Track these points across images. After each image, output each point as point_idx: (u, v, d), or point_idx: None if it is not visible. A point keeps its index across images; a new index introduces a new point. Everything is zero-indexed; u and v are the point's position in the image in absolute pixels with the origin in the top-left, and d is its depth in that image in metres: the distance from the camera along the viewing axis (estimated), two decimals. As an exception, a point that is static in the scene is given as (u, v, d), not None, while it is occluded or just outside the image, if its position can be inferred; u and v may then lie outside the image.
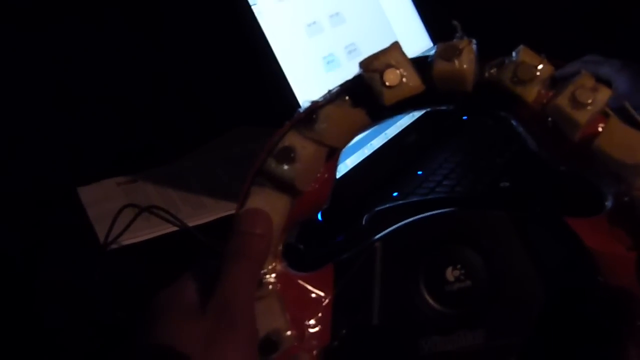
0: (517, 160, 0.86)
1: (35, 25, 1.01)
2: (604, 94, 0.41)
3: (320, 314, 0.43)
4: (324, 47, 0.86)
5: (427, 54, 0.43)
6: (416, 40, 1.05)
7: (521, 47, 0.42)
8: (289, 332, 0.40)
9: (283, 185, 0.41)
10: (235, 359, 0.36)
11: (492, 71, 0.42)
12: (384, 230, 0.45)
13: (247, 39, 0.79)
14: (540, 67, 0.41)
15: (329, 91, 0.43)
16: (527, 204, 0.46)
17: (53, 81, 1.03)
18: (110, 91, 1.07)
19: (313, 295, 0.43)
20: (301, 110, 0.42)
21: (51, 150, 1.00)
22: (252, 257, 0.40)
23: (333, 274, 0.44)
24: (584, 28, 1.19)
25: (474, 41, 0.42)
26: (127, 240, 0.83)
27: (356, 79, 0.42)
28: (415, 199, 0.53)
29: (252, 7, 0.79)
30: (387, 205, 0.50)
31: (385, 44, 0.43)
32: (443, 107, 0.45)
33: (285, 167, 0.41)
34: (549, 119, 0.41)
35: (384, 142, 0.90)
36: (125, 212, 0.83)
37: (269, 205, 0.41)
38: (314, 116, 0.41)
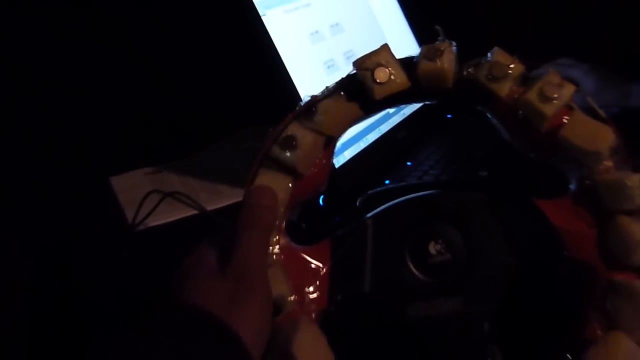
0: (494, 153, 0.87)
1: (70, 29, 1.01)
2: (568, 90, 0.41)
3: (318, 282, 0.43)
4: (325, 53, 0.86)
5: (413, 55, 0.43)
6: (406, 47, 1.05)
7: (495, 48, 0.42)
8: (291, 298, 0.40)
9: (286, 169, 0.41)
10: (253, 315, 0.37)
11: (469, 70, 0.42)
12: (375, 210, 0.45)
13: (258, 47, 0.79)
14: (512, 66, 0.41)
15: (327, 87, 0.43)
16: (501, 186, 0.46)
17: (87, 83, 1.04)
18: (140, 95, 1.07)
19: (312, 265, 0.43)
20: (302, 103, 0.43)
21: (88, 145, 1.00)
22: (262, 226, 0.40)
23: (330, 248, 0.44)
24: (558, 31, 1.18)
25: (454, 43, 0.42)
26: (153, 222, 0.83)
27: (350, 76, 0.43)
28: (403, 183, 0.53)
29: (262, 18, 0.79)
30: (378, 189, 0.50)
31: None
32: (427, 102, 0.45)
33: (288, 153, 0.41)
34: (520, 111, 0.42)
35: (377, 136, 0.90)
36: (150, 197, 0.83)
37: (274, 184, 0.41)
38: (313, 109, 0.42)
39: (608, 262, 0.40)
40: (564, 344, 0.41)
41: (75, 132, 1.01)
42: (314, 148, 0.42)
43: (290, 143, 0.41)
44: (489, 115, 0.44)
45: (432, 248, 0.43)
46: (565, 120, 0.41)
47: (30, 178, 0.91)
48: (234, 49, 1.02)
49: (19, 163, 0.94)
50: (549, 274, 0.43)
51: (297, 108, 0.43)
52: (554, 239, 0.42)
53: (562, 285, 0.42)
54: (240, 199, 0.41)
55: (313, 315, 0.42)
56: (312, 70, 0.84)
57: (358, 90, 0.42)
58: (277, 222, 0.42)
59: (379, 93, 0.41)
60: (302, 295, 0.42)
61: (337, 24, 0.91)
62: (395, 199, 0.46)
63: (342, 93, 0.42)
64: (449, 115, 1.04)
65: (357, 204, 0.51)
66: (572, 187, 0.43)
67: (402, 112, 0.95)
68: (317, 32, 0.87)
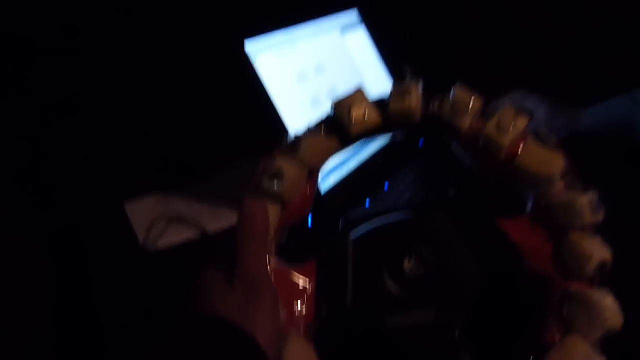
0: (460, 176, 0.86)
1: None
2: (522, 122, 0.41)
3: (306, 298, 0.42)
4: (310, 91, 0.86)
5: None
6: (381, 84, 1.05)
7: (457, 85, 0.42)
8: (281, 313, 0.39)
9: (274, 198, 0.41)
10: (265, 319, 0.36)
11: (435, 106, 0.42)
12: (355, 231, 0.45)
13: (252, 87, 0.79)
14: (472, 102, 0.41)
15: (309, 125, 0.42)
16: (466, 207, 0.46)
17: (104, 119, 1.04)
18: (152, 128, 1.07)
19: (300, 283, 0.42)
20: (288, 139, 0.42)
21: (103, 172, 1.00)
22: (258, 235, 0.39)
23: (316, 267, 0.43)
24: (517, 59, 1.19)
25: (421, 82, 0.42)
26: (162, 244, 0.82)
27: (329, 114, 0.42)
28: (380, 208, 0.53)
29: (254, 62, 0.79)
30: (358, 211, 0.49)
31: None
32: (398, 141, 0.44)
33: (275, 184, 0.40)
34: (481, 142, 0.41)
35: (358, 163, 0.90)
36: (159, 221, 0.83)
37: None
38: (298, 144, 0.41)
39: (564, 274, 0.40)
40: (527, 347, 0.40)
41: (94, 161, 1.00)
42: (299, 179, 0.41)
43: (277, 175, 0.40)
44: (453, 146, 0.43)
45: (407, 264, 0.42)
46: (520, 149, 0.40)
47: (53, 203, 0.91)
48: (232, 89, 1.02)
49: (45, 189, 0.93)
50: (511, 285, 0.42)
51: (283, 143, 0.42)
52: (514, 253, 0.41)
53: (524, 295, 0.41)
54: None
55: (301, 328, 0.41)
56: (298, 106, 0.83)
57: (336, 127, 0.42)
58: (270, 234, 0.41)
59: (354, 129, 0.41)
60: (292, 310, 0.41)
61: (320, 66, 0.91)
62: (373, 220, 0.45)
63: (322, 130, 0.42)
64: (420, 142, 1.04)
65: (340, 225, 0.50)
66: (528, 207, 0.42)
67: (379, 141, 0.95)
68: (302, 73, 0.87)
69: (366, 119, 0.41)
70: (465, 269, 0.42)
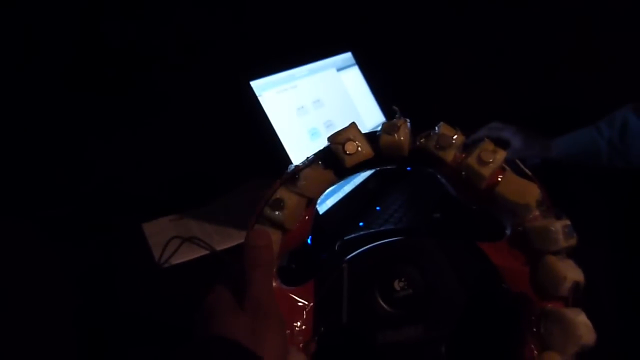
0: (445, 199, 0.85)
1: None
2: (501, 155, 0.40)
3: (305, 317, 0.41)
4: (309, 123, 0.86)
5: (377, 129, 0.42)
6: (373, 117, 1.05)
7: (441, 123, 0.41)
8: None
9: (276, 225, 0.40)
10: (273, 342, 0.35)
11: (421, 140, 0.41)
12: (350, 254, 0.44)
13: (257, 120, 0.79)
14: (455, 137, 0.40)
15: (307, 158, 0.42)
16: (451, 233, 0.45)
17: (127, 149, 1.04)
18: (168, 157, 1.07)
19: (299, 303, 0.41)
20: (288, 171, 0.41)
21: (126, 198, 1.00)
22: (264, 264, 0.38)
23: (314, 287, 0.42)
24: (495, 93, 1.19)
25: (408, 120, 0.41)
26: (175, 261, 0.82)
27: (325, 148, 0.41)
28: (373, 230, 0.52)
29: (259, 98, 0.79)
30: (353, 236, 0.48)
31: (351, 120, 0.42)
32: (388, 167, 0.43)
33: (277, 212, 0.39)
34: (463, 173, 0.40)
35: (352, 188, 0.89)
36: (173, 241, 0.83)
37: None
38: (297, 176, 0.40)
39: (540, 294, 0.39)
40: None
41: (118, 188, 1.01)
42: (298, 208, 0.40)
43: (278, 204, 0.39)
44: (438, 176, 0.43)
45: (397, 285, 0.41)
46: (499, 179, 0.40)
47: (79, 223, 0.90)
48: (240, 122, 1.03)
49: (76, 210, 0.93)
50: (492, 304, 0.41)
51: (283, 175, 0.41)
52: (494, 275, 0.41)
53: (503, 313, 0.40)
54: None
55: (300, 345, 0.39)
56: (299, 137, 0.83)
57: (332, 160, 0.41)
58: (275, 258, 0.40)
59: (349, 162, 0.40)
60: (291, 328, 0.39)
61: (318, 100, 0.90)
62: (366, 244, 0.44)
63: (319, 162, 0.41)
64: (408, 169, 1.03)
65: (336, 247, 0.49)
66: (507, 232, 0.41)
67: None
68: (302, 107, 0.86)
69: (359, 152, 0.40)
70: (451, 289, 0.41)
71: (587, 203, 0.87)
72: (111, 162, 1.02)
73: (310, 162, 0.41)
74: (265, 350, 0.34)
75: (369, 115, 1.03)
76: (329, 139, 0.40)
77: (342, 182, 0.43)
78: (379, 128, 0.41)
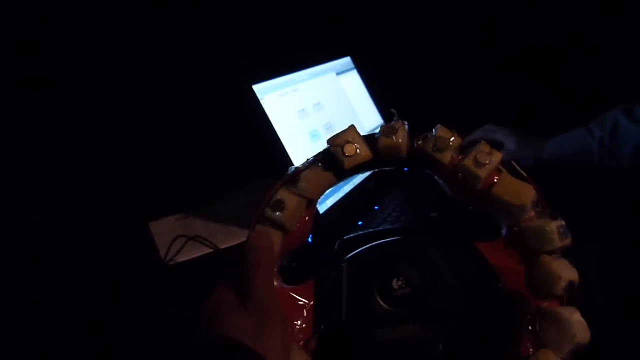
0: (441, 199, 0.85)
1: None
2: (497, 157, 0.39)
3: (305, 315, 0.40)
4: (309, 126, 0.85)
5: (375, 132, 0.41)
6: (372, 119, 1.04)
7: (438, 126, 0.40)
8: None
9: (277, 226, 0.39)
10: (276, 342, 0.35)
11: (419, 143, 0.40)
12: (349, 254, 0.43)
13: (260, 122, 0.79)
14: (452, 139, 0.39)
15: (307, 160, 0.41)
16: (448, 233, 0.44)
17: (135, 152, 1.04)
18: (174, 158, 1.07)
19: (300, 302, 0.40)
20: (288, 173, 0.40)
21: (133, 198, 1.00)
22: (265, 265, 0.37)
23: (314, 286, 0.41)
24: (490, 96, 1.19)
25: (406, 122, 0.40)
26: (180, 259, 0.81)
27: (325, 151, 0.40)
28: (371, 229, 0.51)
29: (262, 102, 0.78)
30: (352, 235, 0.47)
31: (350, 123, 0.41)
32: (386, 169, 0.42)
33: (278, 213, 0.39)
34: (460, 174, 0.40)
35: (352, 188, 0.88)
36: (179, 240, 0.82)
37: None
38: (297, 178, 0.39)
39: (535, 293, 0.38)
40: None
41: (126, 189, 1.01)
42: (299, 209, 0.39)
43: (279, 206, 0.39)
44: (436, 177, 0.42)
45: (395, 284, 0.41)
46: (495, 181, 0.39)
47: (92, 223, 0.90)
48: (244, 124, 1.02)
49: (86, 210, 0.93)
50: (488, 303, 0.40)
51: (284, 176, 0.40)
52: (491, 274, 0.40)
53: (499, 312, 0.40)
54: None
55: (301, 343, 0.39)
56: (300, 139, 0.82)
57: (331, 162, 0.40)
58: (276, 259, 0.39)
59: (348, 164, 0.39)
60: (292, 327, 0.39)
61: (318, 104, 0.90)
62: (365, 243, 0.43)
63: (319, 164, 0.40)
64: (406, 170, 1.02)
65: (336, 247, 0.48)
66: (503, 232, 0.40)
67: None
68: (303, 110, 0.86)
69: (358, 154, 0.39)
70: (448, 288, 0.40)
71: (579, 203, 0.86)
72: (116, 164, 1.02)
73: (310, 164, 0.40)
74: (268, 350, 0.33)
75: (368, 118, 1.02)
76: (329, 141, 0.40)
77: (341, 183, 0.43)
78: (377, 130, 0.41)
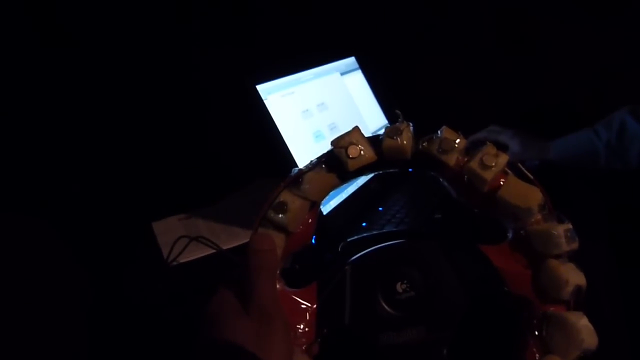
0: (446, 200, 0.84)
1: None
2: (503, 159, 0.38)
3: (308, 319, 0.39)
4: (313, 126, 0.85)
5: (379, 133, 0.40)
6: (376, 120, 1.04)
7: (444, 127, 0.39)
8: None
9: (279, 228, 0.38)
10: (278, 345, 0.34)
11: (424, 144, 0.39)
12: (352, 256, 0.42)
13: (263, 122, 0.78)
14: (457, 141, 0.39)
15: (311, 161, 0.40)
16: (453, 235, 0.43)
17: (138, 152, 1.03)
18: (178, 158, 1.07)
19: (302, 305, 0.40)
20: (291, 174, 0.40)
21: (136, 198, 0.99)
22: (268, 268, 0.37)
23: (317, 289, 0.41)
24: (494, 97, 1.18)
25: (411, 124, 0.40)
26: (183, 259, 0.81)
27: (329, 152, 0.40)
28: (375, 232, 0.50)
29: (265, 101, 0.78)
30: (355, 237, 0.47)
31: (354, 123, 0.40)
32: (390, 171, 0.42)
33: (280, 215, 0.38)
34: (465, 177, 0.39)
35: (355, 189, 0.88)
36: (181, 240, 0.82)
37: None
38: (300, 179, 0.39)
39: (542, 297, 0.37)
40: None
41: (129, 189, 1.00)
42: (301, 211, 0.39)
43: (282, 207, 0.38)
44: (441, 180, 0.41)
45: (399, 287, 0.40)
46: (501, 183, 0.38)
47: (95, 223, 0.90)
48: (247, 124, 1.02)
49: (90, 210, 0.93)
50: (493, 307, 0.39)
51: (287, 178, 0.40)
52: (496, 278, 0.39)
53: (505, 316, 0.39)
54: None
55: (303, 347, 0.38)
56: (304, 139, 0.82)
57: (335, 164, 0.39)
58: (278, 262, 0.38)
59: (352, 166, 0.39)
60: (295, 330, 0.38)
61: (322, 103, 0.89)
62: (369, 246, 0.42)
63: (323, 166, 0.39)
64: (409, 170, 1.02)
65: (339, 249, 0.48)
66: (509, 235, 0.40)
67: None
68: (307, 110, 0.85)
69: (362, 156, 0.39)
70: (452, 292, 0.40)
71: (585, 205, 0.85)
72: (120, 163, 1.02)
73: (313, 166, 0.39)
74: (270, 354, 0.33)
75: (372, 119, 1.02)
76: (332, 142, 0.39)
77: (345, 183, 0.42)
78: (381, 131, 0.40)
